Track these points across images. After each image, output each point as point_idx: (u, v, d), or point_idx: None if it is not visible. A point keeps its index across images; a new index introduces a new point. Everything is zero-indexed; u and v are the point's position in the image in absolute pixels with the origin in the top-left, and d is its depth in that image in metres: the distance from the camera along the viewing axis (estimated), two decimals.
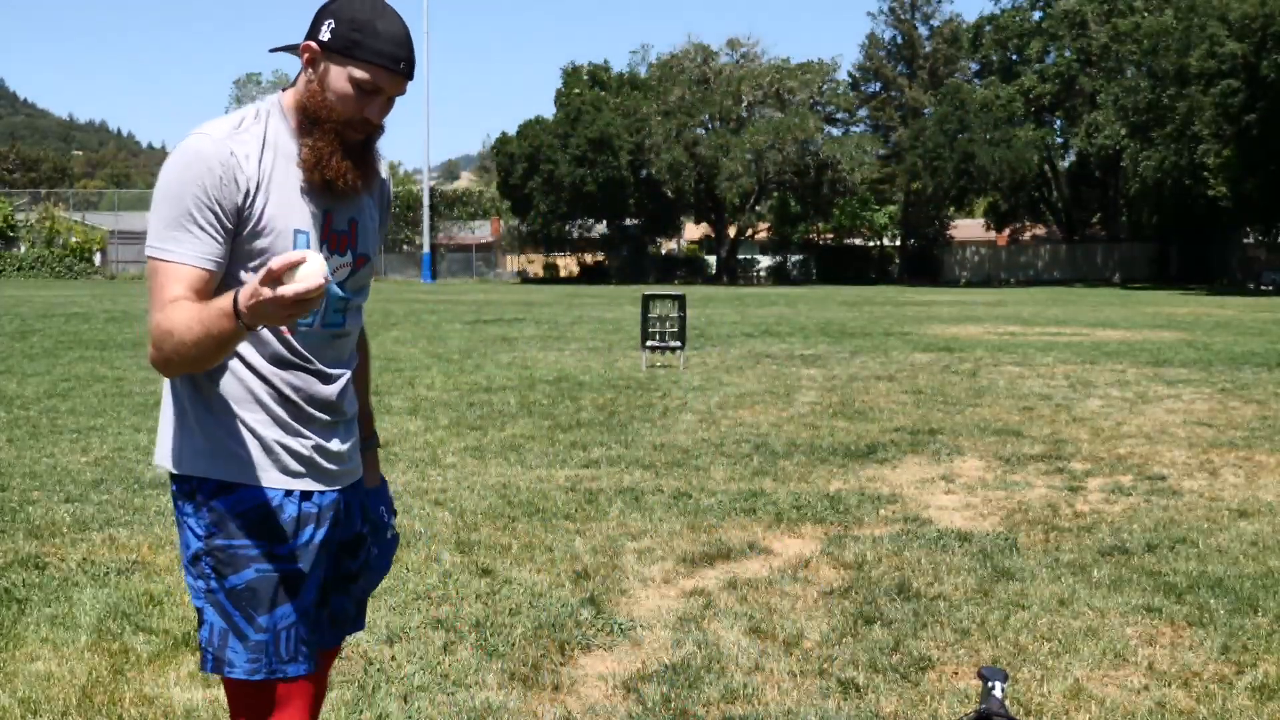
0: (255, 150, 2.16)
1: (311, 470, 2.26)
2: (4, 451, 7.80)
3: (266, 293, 1.90)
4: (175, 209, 2.10)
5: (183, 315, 2.05)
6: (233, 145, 2.14)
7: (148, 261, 2.15)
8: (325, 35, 2.16)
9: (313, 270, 1.93)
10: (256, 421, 2.20)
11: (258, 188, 2.15)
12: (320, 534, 2.26)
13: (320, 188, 2.19)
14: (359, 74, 2.15)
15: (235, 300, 1.97)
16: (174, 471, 2.24)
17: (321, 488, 2.28)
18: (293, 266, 1.92)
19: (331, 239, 2.25)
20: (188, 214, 2.10)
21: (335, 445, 2.30)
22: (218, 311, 2.00)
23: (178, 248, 2.10)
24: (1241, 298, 38.09)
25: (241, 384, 2.20)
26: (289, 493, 2.22)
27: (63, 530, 5.68)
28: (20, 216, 58.59)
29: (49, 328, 18.73)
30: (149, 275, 2.14)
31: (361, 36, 2.14)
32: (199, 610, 2.23)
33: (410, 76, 2.20)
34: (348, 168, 2.19)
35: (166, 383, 2.27)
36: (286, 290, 1.91)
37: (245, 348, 2.18)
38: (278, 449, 2.22)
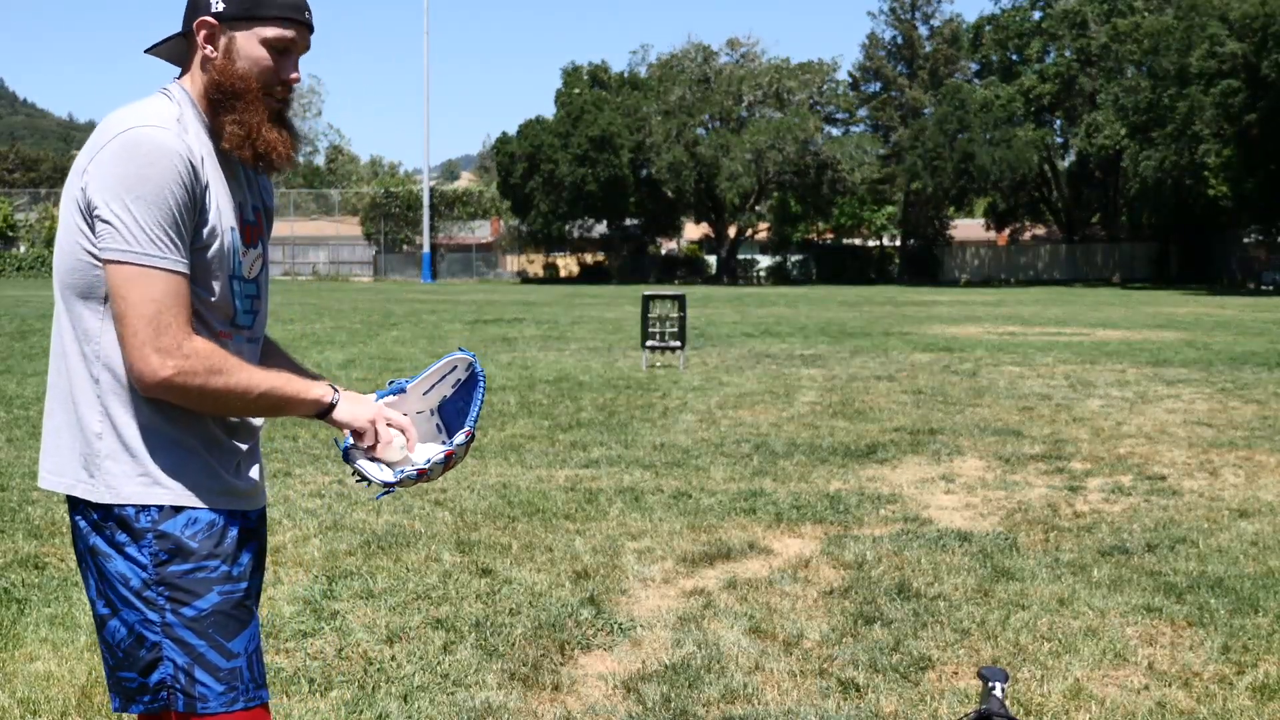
0: (198, 148, 2.03)
1: (245, 490, 2.14)
2: (4, 451, 7.80)
3: (380, 437, 2.19)
4: (156, 211, 1.93)
5: (242, 362, 2.04)
6: (189, 142, 2.01)
7: (126, 266, 1.93)
8: (219, 6, 2.03)
9: (399, 445, 2.21)
10: (198, 439, 2.06)
11: (205, 189, 2.02)
12: (253, 553, 2.15)
13: (252, 163, 2.09)
14: (270, 32, 2.06)
15: (334, 396, 2.15)
16: (106, 503, 2.03)
17: (254, 507, 2.17)
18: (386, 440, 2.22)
19: (247, 232, 2.14)
20: (170, 216, 1.95)
21: (255, 473, 2.19)
22: (305, 387, 2.12)
23: (174, 255, 1.96)
24: (1241, 298, 38.09)
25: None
26: (231, 513, 2.09)
27: (63, 530, 5.67)
28: (20, 216, 58.66)
29: (49, 328, 18.68)
30: (137, 284, 1.93)
31: None
32: (152, 648, 2.02)
33: (313, 28, 2.13)
34: (277, 138, 2.09)
35: (75, 390, 2.05)
36: (394, 428, 2.21)
37: None
38: (218, 470, 2.09)
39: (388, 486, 2.18)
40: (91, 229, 1.97)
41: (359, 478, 2.21)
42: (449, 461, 2.24)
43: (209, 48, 2.06)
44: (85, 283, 2.00)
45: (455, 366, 2.37)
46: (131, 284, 1.93)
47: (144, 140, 1.94)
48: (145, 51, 2.15)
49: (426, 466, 2.20)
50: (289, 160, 2.13)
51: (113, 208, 1.93)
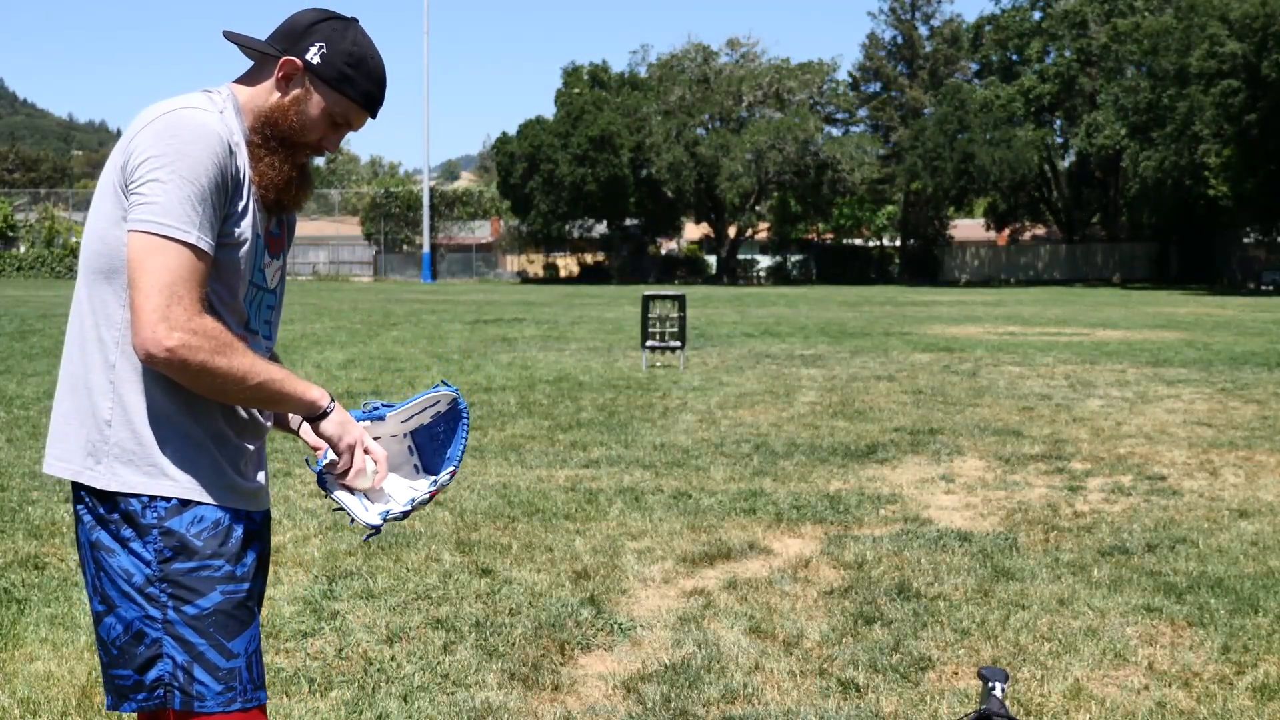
0: (237, 137, 2.06)
1: (251, 491, 2.14)
2: (4, 451, 7.80)
3: (355, 463, 2.17)
4: (190, 186, 1.93)
5: (246, 348, 2.01)
6: (231, 134, 2.03)
7: (150, 236, 1.92)
8: (314, 58, 2.08)
9: (370, 473, 2.20)
10: (208, 434, 2.06)
11: (239, 185, 2.03)
12: (256, 554, 2.14)
13: (272, 207, 2.12)
14: (340, 108, 2.12)
15: (330, 404, 2.13)
16: (111, 490, 2.02)
17: (259, 508, 2.17)
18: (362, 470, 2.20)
19: (271, 243, 2.17)
20: (203, 194, 1.94)
21: (260, 477, 2.19)
22: (304, 388, 2.10)
23: (200, 234, 1.94)
24: (1241, 298, 38.09)
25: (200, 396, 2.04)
26: (236, 512, 2.09)
27: (63, 530, 5.67)
28: (20, 216, 58.68)
29: (49, 328, 18.73)
30: (157, 253, 1.92)
31: (354, 73, 2.11)
32: (151, 644, 2.01)
33: (375, 118, 2.21)
34: (300, 194, 2.15)
35: (90, 376, 2.04)
36: (370, 457, 2.18)
37: None
38: (224, 467, 2.08)
39: (374, 529, 2.21)
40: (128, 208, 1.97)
41: (337, 508, 2.23)
42: (431, 498, 2.31)
43: (284, 84, 2.09)
44: (115, 265, 2.00)
45: (439, 400, 2.40)
46: (152, 252, 1.92)
47: (186, 120, 1.96)
48: (224, 34, 2.17)
49: (411, 508, 2.26)
50: (300, 209, 2.22)
51: (147, 182, 1.93)
